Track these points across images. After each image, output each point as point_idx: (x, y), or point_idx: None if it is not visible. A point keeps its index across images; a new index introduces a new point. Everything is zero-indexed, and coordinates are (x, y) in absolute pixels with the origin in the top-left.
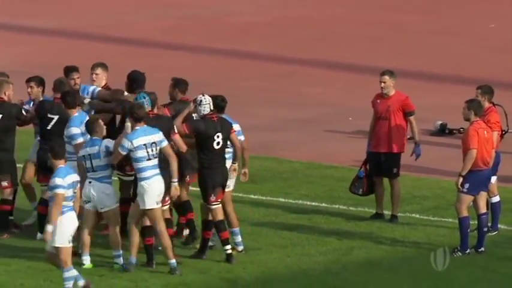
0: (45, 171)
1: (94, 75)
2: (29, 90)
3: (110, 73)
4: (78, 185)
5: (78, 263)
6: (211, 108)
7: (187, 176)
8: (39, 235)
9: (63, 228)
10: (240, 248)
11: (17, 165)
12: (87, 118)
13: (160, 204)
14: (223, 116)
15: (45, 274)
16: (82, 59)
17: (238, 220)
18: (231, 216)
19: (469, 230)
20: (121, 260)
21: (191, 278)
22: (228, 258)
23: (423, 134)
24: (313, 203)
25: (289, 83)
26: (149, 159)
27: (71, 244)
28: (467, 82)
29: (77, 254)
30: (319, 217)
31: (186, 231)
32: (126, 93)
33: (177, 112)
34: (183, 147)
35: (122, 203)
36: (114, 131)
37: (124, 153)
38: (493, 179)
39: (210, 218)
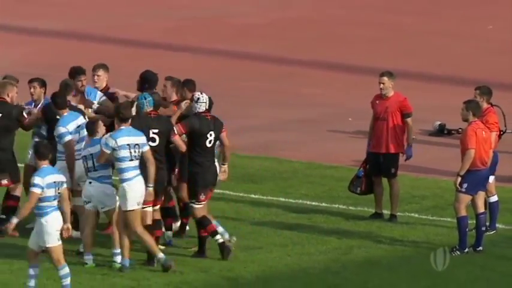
0: None
1: (96, 77)
2: (32, 90)
3: (111, 74)
4: (64, 186)
5: (80, 263)
6: (207, 107)
7: None
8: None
9: (49, 229)
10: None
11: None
12: (79, 118)
13: (140, 205)
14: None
15: (48, 273)
16: (84, 60)
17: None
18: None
19: (467, 229)
20: (119, 259)
21: (193, 276)
22: (222, 247)
23: (422, 134)
24: (313, 203)
25: (289, 83)
26: (131, 159)
27: (60, 242)
28: (466, 83)
29: (79, 253)
30: (319, 216)
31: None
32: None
33: (187, 111)
34: (183, 148)
35: None
36: None
37: (108, 151)
38: (491, 178)
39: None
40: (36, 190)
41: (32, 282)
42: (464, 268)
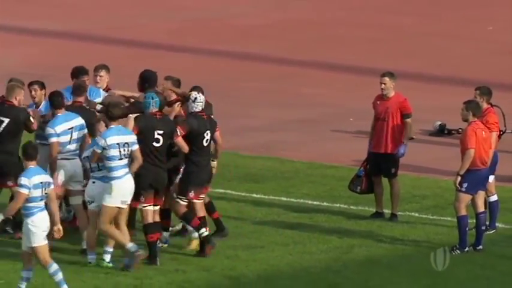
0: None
1: (98, 77)
2: (33, 93)
3: (114, 74)
4: (51, 186)
5: (84, 262)
6: (203, 106)
7: None
8: None
9: (36, 229)
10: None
11: None
12: (73, 120)
13: (125, 205)
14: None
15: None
16: (87, 61)
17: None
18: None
19: (467, 229)
20: (108, 257)
21: (195, 275)
22: (204, 241)
23: (422, 134)
24: (315, 202)
25: (290, 84)
26: (121, 158)
27: (46, 241)
28: (466, 83)
29: (83, 251)
30: (320, 216)
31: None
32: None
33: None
34: (186, 149)
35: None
36: None
37: (99, 151)
38: (491, 178)
39: (203, 214)
40: (23, 190)
41: (23, 285)
42: (464, 267)
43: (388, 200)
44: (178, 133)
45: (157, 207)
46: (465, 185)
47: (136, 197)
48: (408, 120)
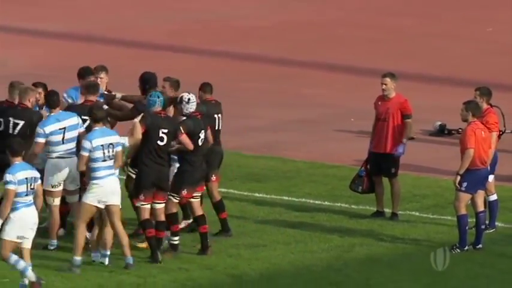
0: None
1: (99, 79)
2: (37, 96)
3: (117, 75)
4: (38, 182)
5: (87, 261)
6: (195, 106)
7: (213, 176)
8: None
9: (12, 224)
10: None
11: None
12: (67, 119)
13: (101, 205)
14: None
15: (56, 271)
16: (90, 61)
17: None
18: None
19: (467, 228)
20: (107, 260)
21: (198, 274)
22: (173, 247)
23: (423, 134)
24: (316, 202)
25: (291, 84)
26: (104, 160)
27: (19, 241)
28: (466, 84)
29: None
30: (322, 215)
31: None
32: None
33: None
34: (191, 146)
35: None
36: None
37: (86, 154)
38: (491, 178)
39: (201, 212)
40: (10, 187)
41: (26, 281)
42: (464, 265)
43: (389, 199)
44: (182, 131)
45: (162, 206)
46: (465, 184)
47: (136, 194)
48: (408, 120)
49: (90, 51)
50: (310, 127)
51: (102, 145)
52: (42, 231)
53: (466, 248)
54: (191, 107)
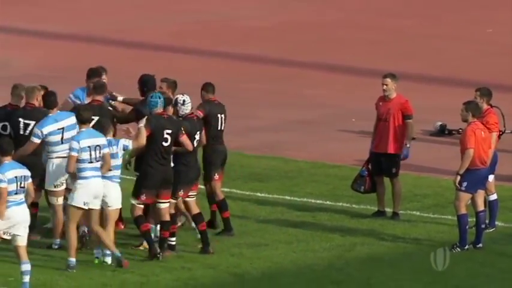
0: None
1: None
2: (40, 99)
3: (120, 75)
4: (29, 180)
5: (91, 260)
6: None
7: (216, 175)
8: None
9: (2, 224)
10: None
11: None
12: (64, 120)
13: (87, 206)
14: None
15: (60, 270)
16: (92, 62)
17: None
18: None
19: (467, 227)
20: (110, 260)
21: (200, 272)
22: (171, 248)
23: (423, 135)
24: (318, 201)
25: (292, 85)
26: (91, 161)
27: (6, 237)
28: (466, 85)
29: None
30: (323, 214)
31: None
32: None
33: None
34: (191, 147)
35: None
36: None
37: (75, 154)
38: (491, 177)
39: (197, 211)
40: (1, 185)
41: (26, 278)
42: (464, 264)
43: (390, 199)
44: (183, 132)
45: (166, 205)
46: (465, 184)
47: (138, 193)
48: (409, 121)
49: (91, 52)
50: (311, 127)
51: (89, 146)
52: (47, 231)
53: (467, 247)
54: (186, 109)
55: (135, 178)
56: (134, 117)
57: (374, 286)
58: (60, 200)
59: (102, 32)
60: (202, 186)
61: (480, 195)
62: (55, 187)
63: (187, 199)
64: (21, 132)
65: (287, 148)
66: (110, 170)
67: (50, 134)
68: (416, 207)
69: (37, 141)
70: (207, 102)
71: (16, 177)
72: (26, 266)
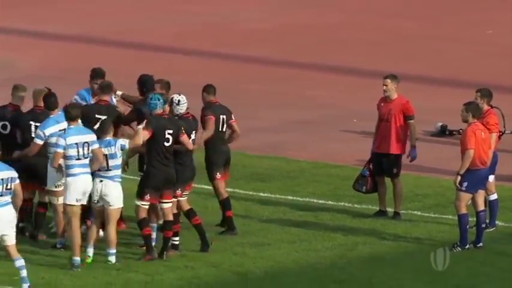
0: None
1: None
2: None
3: (123, 76)
4: (17, 181)
5: (95, 260)
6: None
7: (218, 174)
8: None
9: None
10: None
11: None
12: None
13: (80, 202)
14: None
15: (65, 269)
16: (94, 63)
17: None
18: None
19: (468, 227)
20: (114, 259)
21: (204, 271)
22: (174, 247)
23: (424, 135)
24: (320, 201)
25: (293, 86)
26: (78, 158)
27: None
28: (466, 86)
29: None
30: (326, 214)
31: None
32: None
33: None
34: (191, 146)
35: None
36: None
37: (61, 151)
38: (491, 177)
39: (188, 207)
40: None
41: (23, 273)
42: (465, 264)
43: (391, 198)
44: (183, 131)
45: (169, 205)
46: (465, 184)
47: (142, 194)
48: (411, 121)
49: (92, 53)
50: (313, 128)
51: (76, 143)
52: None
53: (467, 246)
54: (181, 109)
55: (136, 178)
56: (135, 117)
57: (375, 285)
58: (60, 200)
59: (102, 33)
60: (206, 186)
61: (480, 195)
62: (56, 187)
63: (180, 198)
64: (33, 135)
65: (289, 148)
66: (110, 169)
67: (52, 135)
68: (418, 207)
69: (40, 142)
70: (210, 104)
71: (2, 179)
72: (20, 262)
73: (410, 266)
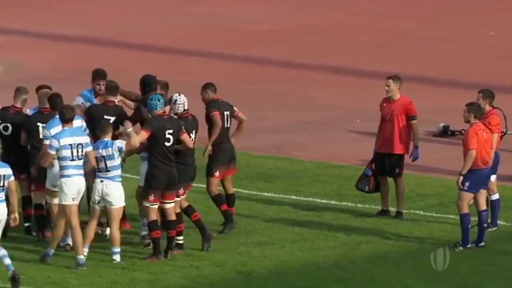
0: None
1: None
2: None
3: (129, 77)
4: (11, 178)
5: (100, 259)
6: (185, 107)
7: (217, 172)
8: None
9: None
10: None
11: None
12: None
13: (76, 201)
14: None
15: (70, 268)
16: (103, 65)
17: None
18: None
19: (469, 226)
20: (118, 257)
21: (208, 271)
22: (178, 246)
23: (427, 135)
24: (323, 201)
25: (298, 87)
26: (72, 159)
27: None
28: (468, 87)
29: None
30: (329, 214)
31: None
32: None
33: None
34: (191, 145)
35: None
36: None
37: (53, 152)
38: (493, 177)
39: (186, 204)
40: None
41: (7, 261)
42: (466, 263)
43: (393, 198)
44: (183, 130)
45: (172, 205)
46: (467, 184)
47: (146, 195)
48: (414, 122)
49: (101, 55)
50: (316, 128)
51: (70, 144)
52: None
53: (469, 245)
54: (178, 108)
55: (136, 177)
56: (139, 117)
57: (378, 284)
58: (57, 200)
59: (111, 35)
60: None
61: (482, 195)
62: (53, 187)
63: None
64: (41, 136)
65: (293, 148)
66: (109, 170)
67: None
68: (420, 207)
69: (47, 142)
70: (213, 101)
71: None
72: (1, 252)
73: (413, 265)
